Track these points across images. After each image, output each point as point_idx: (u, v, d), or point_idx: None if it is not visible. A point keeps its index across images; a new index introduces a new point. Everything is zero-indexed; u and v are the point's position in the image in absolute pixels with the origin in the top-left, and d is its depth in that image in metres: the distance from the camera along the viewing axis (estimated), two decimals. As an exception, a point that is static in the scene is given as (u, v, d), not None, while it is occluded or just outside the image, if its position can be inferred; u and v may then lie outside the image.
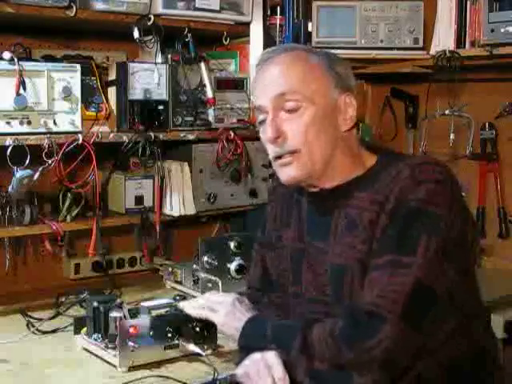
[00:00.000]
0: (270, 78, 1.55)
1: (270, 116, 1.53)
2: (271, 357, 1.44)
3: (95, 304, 1.79)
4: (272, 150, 1.55)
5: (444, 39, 2.55)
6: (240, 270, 2.28)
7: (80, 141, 2.07)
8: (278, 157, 1.54)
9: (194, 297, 2.22)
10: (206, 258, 2.28)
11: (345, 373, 1.37)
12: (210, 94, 2.38)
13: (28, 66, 1.98)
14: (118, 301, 1.81)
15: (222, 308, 1.63)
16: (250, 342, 1.53)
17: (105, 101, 2.23)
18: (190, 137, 2.38)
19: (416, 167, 1.46)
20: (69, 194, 2.19)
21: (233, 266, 2.29)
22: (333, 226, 1.55)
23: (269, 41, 2.59)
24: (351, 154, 1.57)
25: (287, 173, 1.54)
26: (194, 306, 1.71)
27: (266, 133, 1.54)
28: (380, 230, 1.45)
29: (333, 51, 1.69)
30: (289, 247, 1.67)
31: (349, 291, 1.49)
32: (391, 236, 1.43)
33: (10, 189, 2.04)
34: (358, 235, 1.49)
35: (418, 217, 1.41)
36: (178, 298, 1.78)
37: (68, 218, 2.20)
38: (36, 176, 2.02)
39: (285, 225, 1.70)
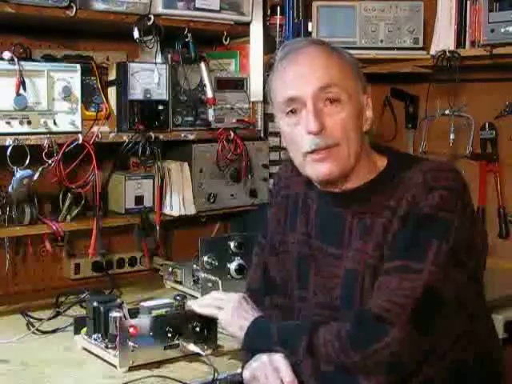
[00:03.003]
0: (309, 68, 1.50)
1: (311, 107, 1.48)
2: (279, 359, 1.44)
3: (95, 304, 1.78)
4: (310, 143, 1.48)
5: (444, 39, 2.55)
6: (240, 269, 2.28)
7: (80, 141, 2.07)
8: (311, 152, 1.49)
9: (194, 297, 2.22)
10: (206, 258, 2.27)
11: (351, 376, 1.36)
12: (209, 93, 2.38)
13: (28, 66, 1.98)
14: (118, 301, 1.81)
15: (229, 306, 1.63)
16: (255, 342, 1.52)
17: (105, 101, 2.23)
18: (190, 137, 2.38)
19: (429, 173, 1.45)
20: (69, 194, 2.19)
21: (233, 266, 2.29)
22: (346, 230, 1.54)
23: (269, 41, 2.60)
24: (367, 155, 1.56)
25: (323, 168, 1.50)
26: (201, 304, 1.71)
27: (304, 125, 1.48)
28: (391, 236, 1.45)
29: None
30: (294, 251, 1.65)
31: (360, 297, 1.48)
32: (402, 241, 1.43)
33: (9, 189, 2.04)
34: (370, 241, 1.48)
35: (429, 223, 1.41)
36: (178, 297, 1.77)
37: (68, 218, 2.20)
38: (36, 176, 2.02)
39: (290, 228, 1.68)
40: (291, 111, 1.52)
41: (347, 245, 1.53)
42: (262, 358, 1.46)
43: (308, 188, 1.65)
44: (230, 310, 1.62)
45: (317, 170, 1.51)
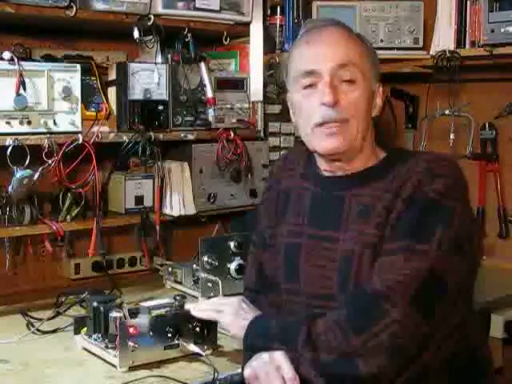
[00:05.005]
0: (329, 46, 1.55)
1: (328, 80, 1.52)
2: (279, 357, 1.43)
3: (95, 304, 1.78)
4: (322, 115, 1.53)
5: (444, 39, 2.55)
6: (240, 270, 2.28)
7: (80, 141, 2.07)
8: (321, 124, 1.53)
9: (194, 297, 2.22)
10: (205, 258, 2.27)
11: (352, 362, 1.36)
12: (209, 93, 2.38)
13: (28, 66, 1.98)
14: (118, 301, 1.81)
15: (229, 308, 1.63)
16: (255, 340, 1.52)
17: (105, 101, 2.24)
18: (190, 137, 2.38)
19: (433, 161, 1.49)
20: (69, 194, 2.19)
21: (233, 266, 2.28)
22: (344, 213, 1.55)
23: (269, 41, 2.60)
24: (372, 141, 1.61)
25: (331, 142, 1.54)
26: (201, 309, 1.70)
27: (319, 96, 1.53)
28: (395, 216, 1.46)
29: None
30: (283, 242, 1.66)
31: (356, 277, 1.49)
32: (407, 223, 1.44)
33: (9, 189, 2.03)
34: (370, 221, 1.49)
35: (435, 209, 1.43)
36: (178, 297, 1.77)
37: (68, 218, 2.20)
38: (36, 176, 2.01)
39: (280, 221, 1.69)
40: (309, 85, 1.55)
41: (345, 227, 1.54)
42: (263, 356, 1.46)
43: (303, 179, 1.67)
44: (230, 311, 1.62)
45: (325, 143, 1.55)
